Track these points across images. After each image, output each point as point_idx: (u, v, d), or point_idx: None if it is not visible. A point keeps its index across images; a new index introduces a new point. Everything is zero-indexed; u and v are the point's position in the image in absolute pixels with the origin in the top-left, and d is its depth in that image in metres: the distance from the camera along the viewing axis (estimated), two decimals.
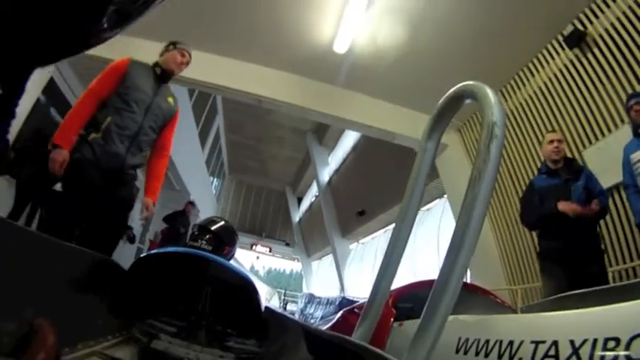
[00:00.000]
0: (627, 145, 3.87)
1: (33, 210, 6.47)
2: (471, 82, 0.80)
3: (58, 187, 3.13)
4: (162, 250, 2.75)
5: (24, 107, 6.25)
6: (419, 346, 0.74)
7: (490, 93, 0.73)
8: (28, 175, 6.21)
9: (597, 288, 2.13)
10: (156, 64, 3.34)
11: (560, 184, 3.80)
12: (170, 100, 3.39)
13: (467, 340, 1.95)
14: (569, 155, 5.38)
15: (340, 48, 6.90)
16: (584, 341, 1.33)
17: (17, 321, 1.20)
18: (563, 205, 3.57)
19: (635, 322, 1.25)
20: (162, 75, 3.32)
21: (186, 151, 12.92)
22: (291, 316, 3.39)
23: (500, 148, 0.68)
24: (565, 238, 3.55)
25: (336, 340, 1.17)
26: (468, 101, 0.84)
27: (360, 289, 15.39)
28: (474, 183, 0.68)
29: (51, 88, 7.49)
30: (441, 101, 0.94)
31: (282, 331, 2.37)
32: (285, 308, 17.95)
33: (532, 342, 1.53)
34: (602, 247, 4.08)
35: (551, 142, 3.95)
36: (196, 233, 3.10)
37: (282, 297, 21.16)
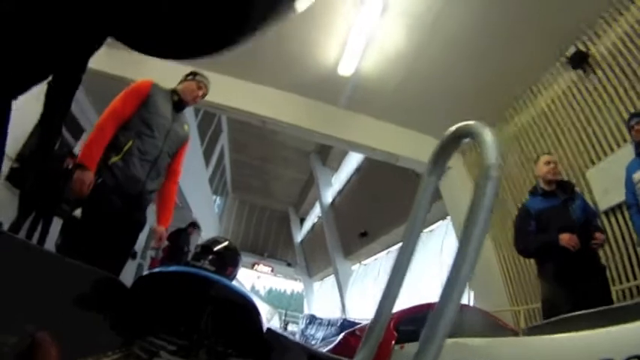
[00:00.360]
0: (629, 165, 3.87)
1: (35, 221, 6.48)
2: (470, 123, 0.83)
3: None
4: (165, 269, 2.75)
5: (29, 119, 6.29)
6: None
7: (487, 133, 0.76)
8: (32, 186, 6.24)
9: (597, 309, 2.13)
10: (174, 91, 3.35)
11: (558, 205, 3.76)
12: (185, 127, 3.43)
13: None
14: (571, 175, 5.44)
15: (345, 70, 6.96)
16: None
17: (19, 334, 1.21)
18: (564, 240, 3.47)
19: (630, 344, 1.26)
20: (179, 102, 3.34)
21: (190, 169, 12.91)
22: (292, 338, 3.38)
23: (495, 188, 0.71)
24: (564, 258, 3.49)
25: None
26: (466, 140, 0.87)
27: (361, 311, 15.26)
28: (469, 222, 0.71)
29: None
30: (441, 140, 0.97)
31: (283, 352, 2.37)
32: (285, 329, 17.78)
33: None
34: (603, 263, 4.04)
35: (548, 162, 3.92)
36: (199, 253, 3.10)
37: (283, 317, 20.98)
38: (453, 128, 0.89)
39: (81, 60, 1.46)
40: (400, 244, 1.06)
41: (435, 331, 0.71)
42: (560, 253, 3.50)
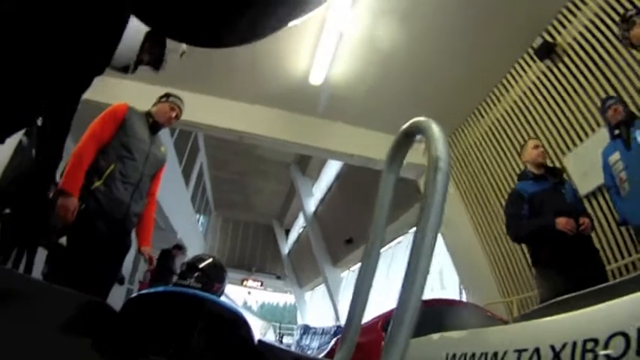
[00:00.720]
0: (605, 149, 3.95)
1: (19, 255, 6.35)
2: (419, 119, 0.86)
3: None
4: (152, 290, 2.74)
5: (6, 147, 6.18)
6: None
7: (435, 128, 0.79)
8: (12, 220, 6.12)
9: (584, 291, 2.15)
10: (149, 114, 3.36)
11: (549, 189, 3.79)
12: (162, 149, 3.44)
13: (454, 355, 1.98)
14: (549, 163, 5.55)
15: (316, 79, 7.02)
16: (564, 345, 1.37)
17: None
18: (561, 224, 3.46)
19: (613, 322, 1.29)
20: (154, 125, 3.35)
21: (171, 190, 12.80)
22: (283, 347, 3.38)
23: (445, 179, 0.73)
24: (560, 242, 3.48)
25: None
26: (418, 137, 0.91)
27: None
28: (422, 215, 0.73)
29: (33, 131, 7.46)
30: (394, 139, 1.01)
31: None
32: (281, 341, 17.64)
33: (515, 351, 1.56)
34: (596, 246, 4.06)
35: (537, 147, 3.99)
36: (185, 272, 3.09)
37: (278, 330, 20.80)
38: (405, 126, 0.93)
39: (73, 99, 1.42)
40: (388, 247, 1.08)
41: (398, 330, 0.72)
42: (555, 238, 3.50)
